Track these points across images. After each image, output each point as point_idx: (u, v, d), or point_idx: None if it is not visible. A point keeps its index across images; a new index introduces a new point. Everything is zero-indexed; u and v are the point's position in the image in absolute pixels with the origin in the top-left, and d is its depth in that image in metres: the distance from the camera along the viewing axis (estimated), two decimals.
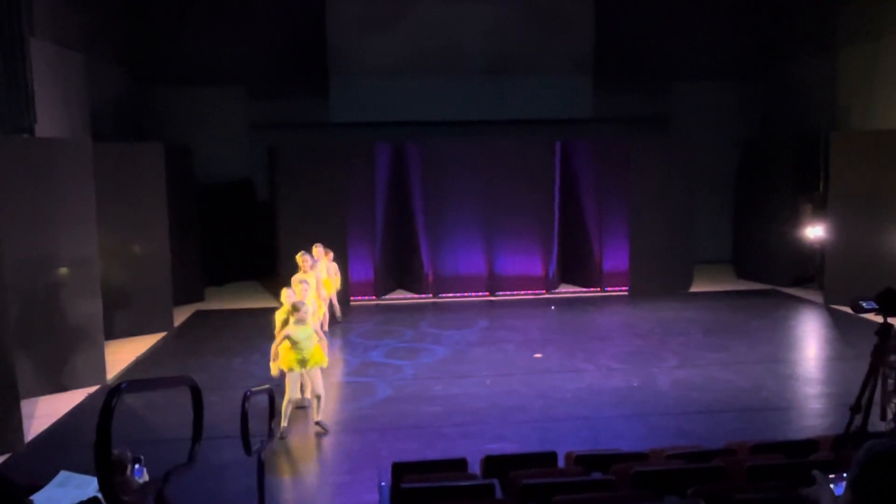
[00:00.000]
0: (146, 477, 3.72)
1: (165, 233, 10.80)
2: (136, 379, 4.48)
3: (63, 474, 3.76)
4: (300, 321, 6.69)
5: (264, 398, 4.83)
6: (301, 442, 6.80)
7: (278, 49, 14.10)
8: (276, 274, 13.28)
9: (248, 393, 4.31)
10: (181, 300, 11.96)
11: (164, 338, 10.61)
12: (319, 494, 5.78)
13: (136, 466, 3.71)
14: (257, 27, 14.03)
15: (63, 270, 8.32)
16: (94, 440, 2.17)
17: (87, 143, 8.81)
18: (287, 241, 12.51)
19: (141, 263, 10.58)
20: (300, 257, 9.27)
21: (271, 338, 10.56)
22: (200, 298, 12.96)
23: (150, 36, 13.62)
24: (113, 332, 9.75)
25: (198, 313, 12.20)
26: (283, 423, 6.65)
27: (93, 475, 2.87)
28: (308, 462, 6.47)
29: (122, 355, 9.53)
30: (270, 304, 12.82)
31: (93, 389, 8.22)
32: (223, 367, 9.09)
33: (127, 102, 13.06)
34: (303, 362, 6.71)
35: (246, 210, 14.73)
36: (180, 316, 11.68)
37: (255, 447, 4.18)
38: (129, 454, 3.62)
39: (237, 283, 14.34)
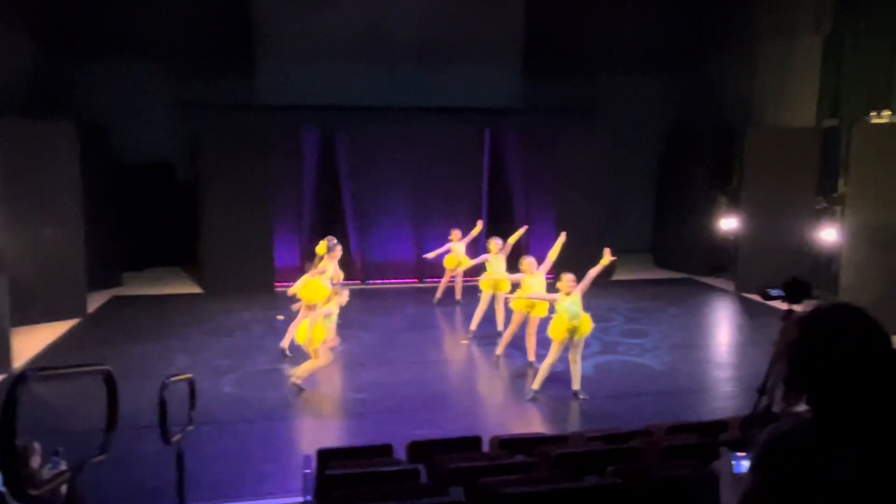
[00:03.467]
0: (63, 468, 3.56)
1: (79, 215, 10.34)
2: (44, 366, 4.28)
3: None
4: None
5: (184, 386, 4.69)
6: (223, 430, 6.66)
7: (202, 25, 13.57)
8: (198, 259, 12.91)
9: (167, 381, 4.18)
10: (97, 285, 11.46)
11: (77, 324, 10.15)
12: (242, 483, 5.67)
13: (54, 458, 3.55)
14: (180, 0, 13.46)
15: None
16: None
17: None
18: (210, 225, 12.18)
19: (52, 247, 10.07)
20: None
21: (192, 324, 10.32)
22: (118, 284, 12.47)
23: (63, 5, 12.86)
24: (22, 319, 9.24)
25: (115, 299, 11.73)
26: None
27: None
28: (231, 450, 6.33)
29: (31, 343, 9.06)
30: (191, 290, 12.50)
31: None
32: (142, 354, 8.78)
33: (37, 76, 12.31)
34: None
35: (167, 193, 14.21)
36: (96, 302, 11.19)
37: (174, 436, 4.06)
38: (35, 445, 3.46)
39: (157, 268, 13.85)
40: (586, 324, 7.16)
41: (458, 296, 11.22)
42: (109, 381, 2.69)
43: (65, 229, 10.19)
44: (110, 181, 12.43)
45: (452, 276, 11.22)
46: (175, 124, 13.98)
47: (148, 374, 7.61)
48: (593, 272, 7.19)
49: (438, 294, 11.32)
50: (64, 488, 2.93)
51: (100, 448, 2.77)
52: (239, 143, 12.12)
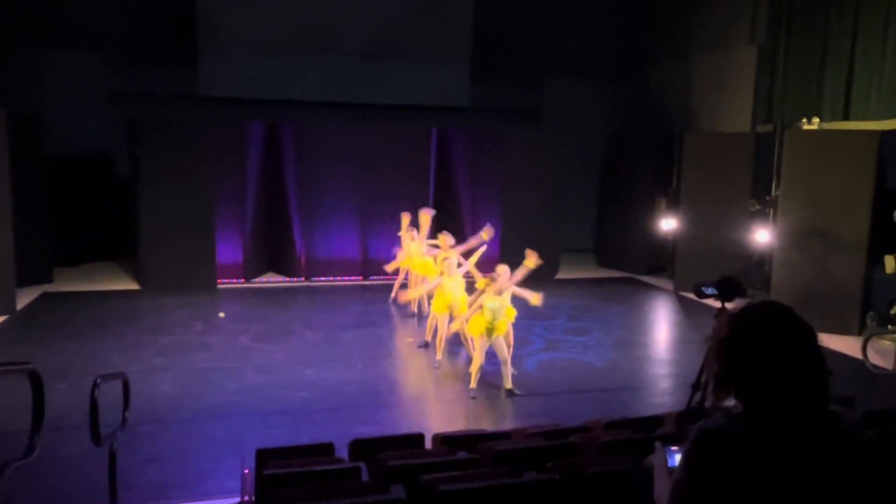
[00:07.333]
0: None
1: (8, 207, 9.90)
2: None
3: None
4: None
5: (119, 386, 4.55)
6: (160, 430, 6.48)
7: (143, 13, 13.17)
8: (135, 254, 12.53)
9: (98, 380, 4.04)
10: (26, 281, 11.00)
11: (5, 322, 9.73)
12: (179, 484, 5.53)
13: None
14: None
15: None
16: None
17: None
18: (149, 219, 11.84)
19: None
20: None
21: (128, 321, 9.99)
22: (49, 279, 11.98)
23: None
24: None
25: (45, 295, 11.27)
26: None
27: None
28: (168, 450, 6.17)
29: None
30: (128, 286, 12.13)
31: None
32: (74, 353, 8.47)
33: None
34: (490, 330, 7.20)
35: (103, 186, 13.73)
36: (25, 298, 10.74)
37: (105, 436, 3.93)
38: None
39: (92, 263, 13.38)
40: (502, 326, 7.35)
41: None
42: (34, 380, 2.59)
43: None
44: (42, 172, 11.93)
45: (406, 275, 11.12)
46: (113, 115, 13.53)
47: (80, 373, 7.35)
48: (525, 294, 7.44)
49: (394, 293, 11.09)
50: None
51: (26, 450, 2.67)
52: (180, 135, 11.81)
